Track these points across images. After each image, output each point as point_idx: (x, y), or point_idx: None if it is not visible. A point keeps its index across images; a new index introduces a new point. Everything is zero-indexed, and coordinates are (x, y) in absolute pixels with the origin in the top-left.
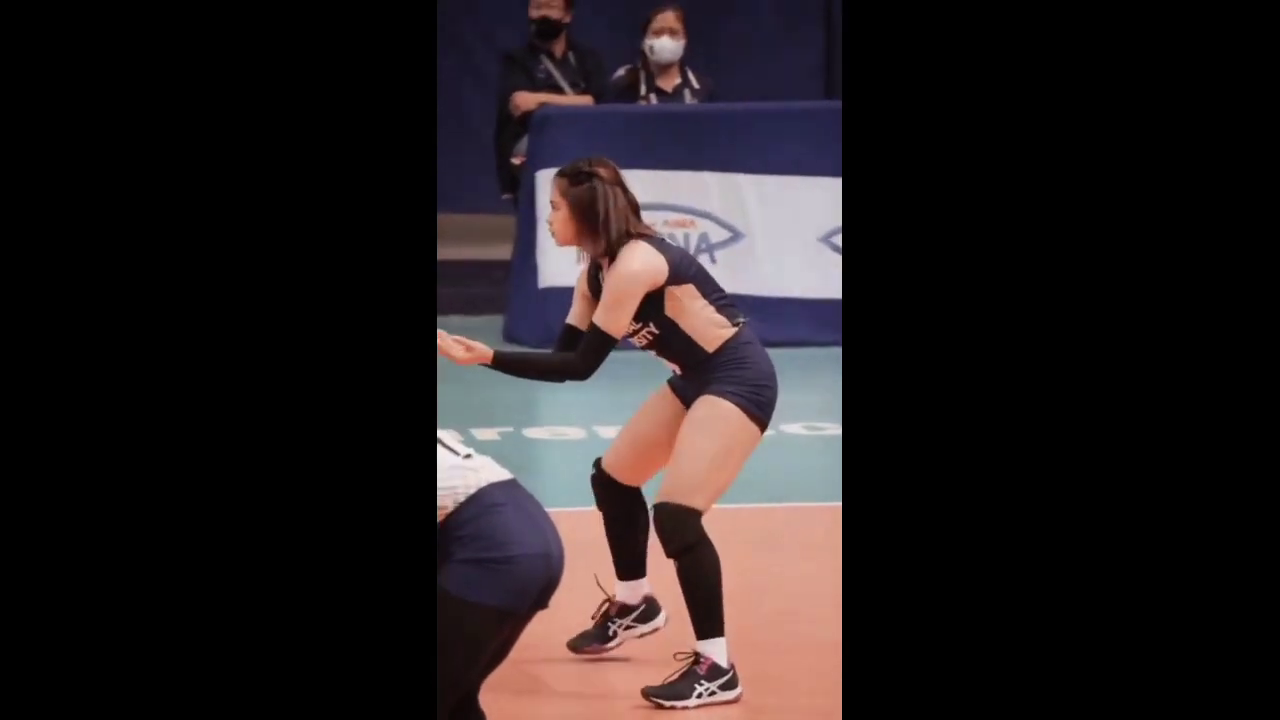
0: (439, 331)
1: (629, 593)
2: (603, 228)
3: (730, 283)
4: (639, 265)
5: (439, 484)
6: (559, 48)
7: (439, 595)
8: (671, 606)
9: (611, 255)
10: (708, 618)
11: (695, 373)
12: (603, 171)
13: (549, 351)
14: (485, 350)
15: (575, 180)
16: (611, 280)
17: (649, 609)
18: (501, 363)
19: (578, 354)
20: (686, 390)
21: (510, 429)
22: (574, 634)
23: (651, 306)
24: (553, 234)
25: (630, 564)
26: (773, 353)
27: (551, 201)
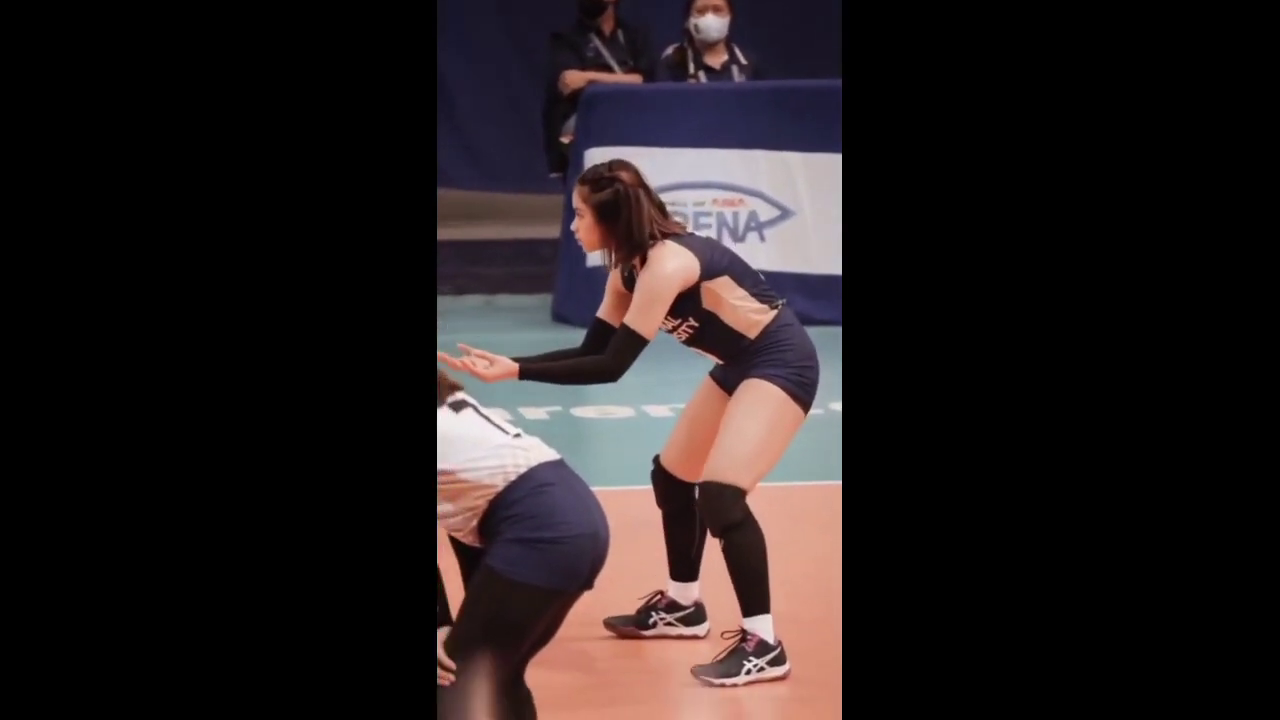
0: (462, 349)
1: (681, 593)
2: (629, 231)
3: (779, 261)
4: (671, 266)
5: (489, 463)
6: (608, 25)
7: (487, 573)
8: (718, 585)
9: (642, 257)
10: (754, 595)
11: (737, 360)
12: (624, 175)
13: (577, 349)
14: (510, 364)
15: (597, 187)
16: (643, 281)
17: (696, 613)
18: (529, 374)
19: (609, 355)
20: (728, 378)
21: (559, 408)
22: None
23: (689, 302)
24: (579, 242)
25: (684, 565)
26: (821, 331)
27: (575, 209)
